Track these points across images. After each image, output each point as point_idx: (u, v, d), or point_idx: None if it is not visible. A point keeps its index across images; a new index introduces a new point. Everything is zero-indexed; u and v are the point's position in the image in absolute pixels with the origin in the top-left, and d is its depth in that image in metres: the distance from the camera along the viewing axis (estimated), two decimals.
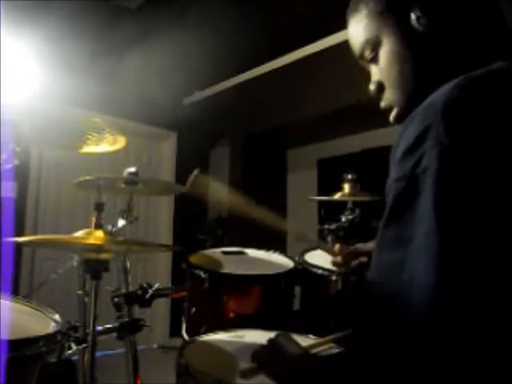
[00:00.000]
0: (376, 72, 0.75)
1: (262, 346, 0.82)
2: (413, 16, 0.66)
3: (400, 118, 0.73)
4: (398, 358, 0.51)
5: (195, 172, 1.23)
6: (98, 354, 1.20)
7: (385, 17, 0.69)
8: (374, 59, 0.73)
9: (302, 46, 3.36)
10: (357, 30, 0.75)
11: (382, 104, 0.75)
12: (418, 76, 0.69)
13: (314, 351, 1.01)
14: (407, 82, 0.70)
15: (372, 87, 0.76)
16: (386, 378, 0.53)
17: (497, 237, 0.49)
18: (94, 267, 1.19)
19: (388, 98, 0.74)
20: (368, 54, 0.74)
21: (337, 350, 1.04)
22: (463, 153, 0.50)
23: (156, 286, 1.57)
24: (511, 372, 0.48)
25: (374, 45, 0.72)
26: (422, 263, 0.50)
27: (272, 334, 0.84)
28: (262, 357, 0.81)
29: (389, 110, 0.75)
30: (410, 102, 0.69)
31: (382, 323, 0.54)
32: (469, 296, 0.48)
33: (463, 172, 0.49)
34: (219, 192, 1.37)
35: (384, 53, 0.71)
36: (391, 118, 0.75)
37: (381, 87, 0.74)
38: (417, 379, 0.50)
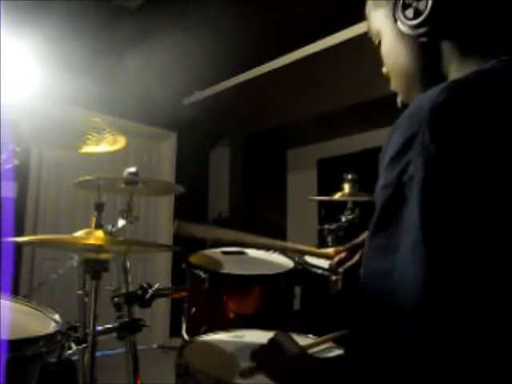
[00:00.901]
0: None
1: (262, 346, 0.82)
2: (396, 15, 0.67)
3: (403, 105, 0.75)
4: (384, 365, 0.52)
5: (175, 223, 1.26)
6: (98, 354, 1.20)
7: (382, 8, 0.72)
8: (379, 47, 0.76)
9: (302, 46, 3.37)
10: (368, 18, 0.78)
11: (391, 87, 0.78)
12: (411, 70, 0.70)
13: (312, 351, 1.01)
14: (402, 74, 0.72)
15: (384, 70, 0.79)
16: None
17: (484, 249, 0.48)
18: (94, 267, 1.19)
19: (392, 83, 0.77)
20: (375, 40, 0.77)
21: (335, 349, 1.04)
22: (449, 161, 0.49)
23: (156, 286, 1.57)
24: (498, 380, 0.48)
25: (376, 35, 0.75)
26: (409, 275, 0.49)
27: (272, 334, 0.84)
28: (261, 356, 0.81)
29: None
30: (408, 91, 0.72)
31: (369, 329, 0.54)
32: (455, 311, 0.48)
33: (449, 181, 0.49)
34: (204, 232, 1.40)
35: (383, 44, 0.74)
36: (397, 103, 0.77)
37: (387, 72, 0.77)
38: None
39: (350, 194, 2.10)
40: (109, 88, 3.65)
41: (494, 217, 0.48)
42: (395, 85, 0.75)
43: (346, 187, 2.11)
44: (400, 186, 0.52)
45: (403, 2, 0.65)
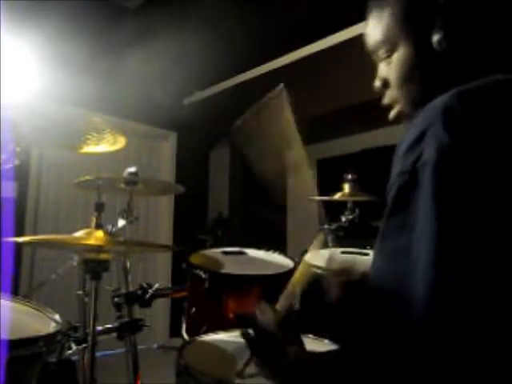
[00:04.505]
0: (384, 69, 0.78)
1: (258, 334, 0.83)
2: (435, 36, 0.69)
3: (399, 117, 0.77)
4: (398, 350, 0.54)
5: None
6: (98, 354, 1.20)
7: (407, 24, 0.72)
8: (387, 58, 0.76)
9: (302, 46, 3.36)
10: (376, 28, 0.77)
11: (385, 100, 0.79)
12: (423, 83, 0.73)
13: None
14: (413, 86, 0.74)
15: (377, 82, 0.79)
16: (384, 373, 0.54)
17: (493, 225, 0.52)
18: (94, 267, 1.19)
19: (391, 96, 0.78)
20: (382, 52, 0.77)
21: (330, 347, 1.04)
22: (460, 148, 0.54)
23: (156, 285, 1.57)
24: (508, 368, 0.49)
25: (391, 46, 0.75)
26: (422, 249, 0.53)
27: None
28: (257, 349, 0.81)
29: (390, 107, 0.79)
30: (412, 104, 0.74)
31: (384, 313, 0.56)
32: (466, 283, 0.50)
33: (460, 164, 0.53)
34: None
35: (398, 56, 0.74)
36: (391, 115, 0.79)
37: (386, 84, 0.78)
38: (416, 375, 0.52)
39: (350, 194, 2.10)
40: (109, 88, 3.65)
41: (499, 197, 0.52)
42: (396, 96, 0.76)
43: (346, 187, 2.11)
44: (414, 171, 0.56)
45: (447, 23, 0.68)
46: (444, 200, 0.53)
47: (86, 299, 1.41)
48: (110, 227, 1.52)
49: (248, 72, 3.69)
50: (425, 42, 0.70)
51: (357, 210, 2.10)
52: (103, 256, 1.21)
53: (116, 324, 1.47)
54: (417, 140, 0.57)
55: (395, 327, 0.55)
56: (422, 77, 0.72)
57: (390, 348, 0.55)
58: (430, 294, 0.51)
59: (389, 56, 0.75)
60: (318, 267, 1.55)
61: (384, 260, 0.59)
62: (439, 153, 0.54)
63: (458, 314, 0.50)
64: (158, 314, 3.94)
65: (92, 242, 1.15)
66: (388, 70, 0.77)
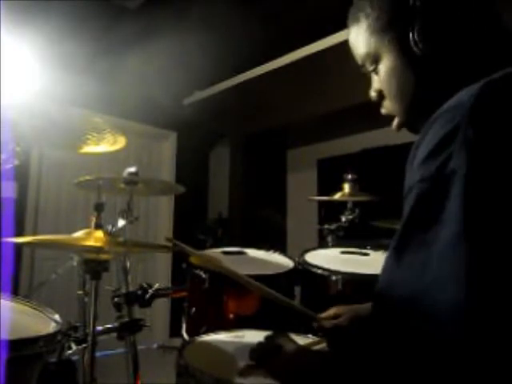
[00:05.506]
0: (376, 80, 0.76)
1: (260, 344, 0.83)
2: (411, 38, 0.66)
3: (401, 126, 0.75)
4: (407, 361, 0.51)
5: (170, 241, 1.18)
6: (98, 354, 1.20)
7: (385, 33, 0.70)
8: (375, 70, 0.75)
9: (303, 46, 3.36)
10: (357, 41, 0.76)
11: (383, 111, 0.77)
12: (416, 90, 0.70)
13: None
14: (406, 95, 0.71)
15: (373, 94, 0.78)
16: (389, 378, 0.52)
17: None
18: (94, 267, 1.19)
19: (388, 107, 0.76)
20: (368, 65, 0.75)
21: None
22: (493, 157, 0.48)
23: (156, 286, 1.57)
24: None
25: (374, 58, 0.73)
26: (446, 270, 0.48)
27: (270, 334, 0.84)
28: (259, 354, 0.82)
29: (390, 116, 0.77)
30: (409, 112, 0.72)
31: (396, 326, 0.53)
32: (497, 311, 0.46)
33: (493, 178, 0.48)
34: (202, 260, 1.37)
35: (383, 67, 0.72)
36: (393, 125, 0.77)
37: (381, 95, 0.76)
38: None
39: (350, 194, 2.10)
40: (109, 88, 3.65)
41: None
42: (393, 108, 0.74)
43: (346, 187, 2.11)
44: (440, 179, 0.50)
45: (421, 25, 0.65)
46: (476, 221, 0.47)
47: (86, 299, 1.41)
48: (110, 227, 1.52)
49: (248, 72, 3.69)
50: (406, 47, 0.67)
51: (357, 210, 2.10)
52: (103, 256, 1.21)
53: (116, 324, 1.47)
54: (442, 143, 0.51)
55: (415, 338, 0.50)
56: (413, 83, 0.69)
57: (402, 355, 0.51)
58: (457, 323, 0.47)
59: (375, 68, 0.74)
60: (319, 267, 1.55)
61: (400, 271, 0.54)
62: (471, 163, 0.48)
63: (488, 330, 0.47)
64: (157, 314, 3.94)
65: (92, 242, 1.15)
66: (379, 80, 0.75)
